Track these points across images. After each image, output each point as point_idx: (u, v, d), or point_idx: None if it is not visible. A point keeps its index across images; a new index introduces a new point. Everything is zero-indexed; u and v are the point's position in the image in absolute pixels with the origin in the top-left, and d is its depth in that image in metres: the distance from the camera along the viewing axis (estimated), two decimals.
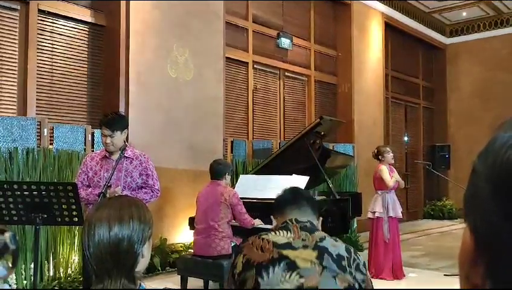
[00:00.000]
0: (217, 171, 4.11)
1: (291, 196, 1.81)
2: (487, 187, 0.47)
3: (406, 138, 11.53)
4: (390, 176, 5.32)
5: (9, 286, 3.92)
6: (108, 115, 3.41)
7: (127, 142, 3.50)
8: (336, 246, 1.61)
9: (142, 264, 1.26)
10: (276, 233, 1.65)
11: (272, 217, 1.84)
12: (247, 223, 4.02)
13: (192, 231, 4.36)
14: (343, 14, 9.23)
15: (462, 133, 11.66)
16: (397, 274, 5.29)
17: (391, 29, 10.49)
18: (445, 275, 5.44)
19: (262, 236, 1.65)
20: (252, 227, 4.02)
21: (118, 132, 3.31)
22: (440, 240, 8.40)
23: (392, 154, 5.49)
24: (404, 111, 11.50)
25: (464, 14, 11.46)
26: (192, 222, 4.46)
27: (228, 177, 4.18)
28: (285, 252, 1.55)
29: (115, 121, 3.34)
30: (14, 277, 4.09)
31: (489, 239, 0.47)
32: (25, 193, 2.76)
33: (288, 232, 1.65)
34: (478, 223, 0.49)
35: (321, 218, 1.84)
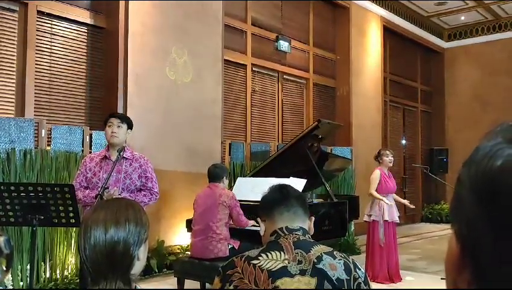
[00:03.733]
0: (214, 174, 4.17)
1: (279, 195, 1.65)
2: (471, 195, 0.49)
3: (404, 142, 11.54)
4: (384, 180, 5.33)
5: (5, 287, 3.91)
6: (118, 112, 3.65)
7: (126, 144, 3.51)
8: (335, 267, 1.47)
9: (138, 267, 1.26)
10: (268, 256, 1.47)
11: (258, 219, 1.68)
12: (243, 225, 4.09)
13: (190, 233, 4.36)
14: (342, 18, 9.25)
15: (460, 137, 11.68)
16: (394, 278, 5.29)
17: (390, 32, 10.52)
18: (442, 278, 5.44)
19: (253, 262, 1.46)
20: (246, 227, 4.10)
21: (125, 125, 3.40)
22: (437, 244, 8.39)
23: (391, 158, 5.50)
24: (402, 114, 11.53)
25: (463, 18, 11.50)
26: (189, 224, 4.46)
27: (226, 181, 4.23)
28: (282, 282, 1.40)
29: (124, 115, 3.58)
30: (11, 278, 4.08)
31: (474, 246, 0.48)
32: (22, 194, 2.76)
33: (282, 252, 1.48)
34: (463, 230, 0.50)
35: (313, 218, 1.68)
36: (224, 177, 4.20)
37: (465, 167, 0.51)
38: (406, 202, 5.68)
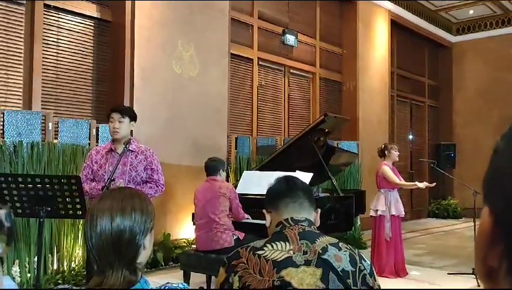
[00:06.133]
0: (211, 167, 4.19)
1: (286, 186, 1.63)
2: (510, 166, 0.47)
3: (410, 137, 11.49)
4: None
5: (13, 278, 3.94)
6: (120, 105, 3.54)
7: (131, 136, 3.52)
8: (340, 259, 1.45)
9: (144, 256, 1.26)
10: (273, 246, 1.47)
11: (264, 211, 1.65)
12: (241, 217, 4.14)
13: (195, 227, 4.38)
14: (348, 12, 9.20)
15: (468, 133, 11.61)
16: (399, 272, 5.28)
17: (397, 27, 10.45)
18: (448, 273, 5.43)
19: (258, 252, 1.45)
20: (242, 219, 4.16)
21: (127, 119, 3.37)
22: (444, 239, 8.37)
23: (397, 152, 5.49)
24: (409, 109, 11.46)
25: (471, 12, 11.40)
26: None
27: (223, 174, 4.24)
28: (287, 273, 1.40)
29: (125, 108, 3.49)
30: (18, 270, 4.11)
31: (509, 218, 0.47)
32: (29, 185, 2.77)
33: (287, 243, 1.47)
34: (498, 203, 0.48)
35: (319, 210, 1.66)
36: (221, 170, 4.21)
37: (505, 138, 0.50)
38: (425, 183, 5.44)
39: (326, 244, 1.49)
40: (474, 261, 0.53)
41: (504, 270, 0.48)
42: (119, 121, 3.34)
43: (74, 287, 4.22)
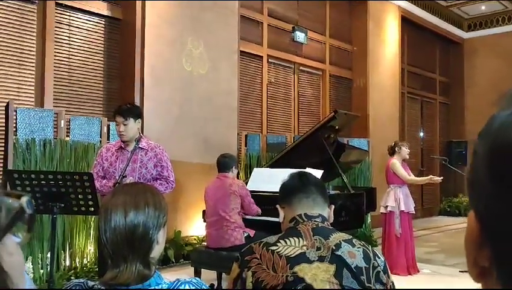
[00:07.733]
0: (223, 164, 4.16)
1: (299, 182, 1.63)
2: (488, 172, 0.45)
3: (421, 134, 11.41)
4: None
5: (27, 274, 3.98)
6: (122, 105, 3.47)
7: (142, 134, 3.53)
8: (354, 255, 1.44)
9: (157, 250, 1.27)
10: (286, 242, 1.47)
11: (277, 206, 1.65)
12: (254, 212, 4.12)
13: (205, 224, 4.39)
14: (359, 8, 9.15)
15: (479, 129, 11.28)
16: (410, 269, 5.25)
17: (408, 23, 10.37)
18: (460, 271, 5.39)
19: (272, 248, 1.45)
20: (257, 213, 4.13)
21: (131, 120, 3.34)
22: (456, 237, 8.29)
23: (408, 150, 5.45)
24: (420, 106, 11.38)
25: (483, 8, 11.28)
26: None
27: (235, 171, 4.22)
28: (301, 269, 1.40)
29: (127, 109, 3.40)
30: (31, 266, 4.16)
31: (493, 223, 0.45)
32: (42, 182, 2.80)
33: (300, 238, 1.47)
34: (481, 208, 0.47)
35: (332, 206, 1.66)
36: (234, 167, 4.17)
37: (481, 140, 0.48)
38: (435, 178, 5.37)
39: (339, 241, 1.48)
40: (467, 262, 0.51)
41: (496, 270, 0.46)
42: (124, 124, 3.32)
43: (89, 281, 4.24)
